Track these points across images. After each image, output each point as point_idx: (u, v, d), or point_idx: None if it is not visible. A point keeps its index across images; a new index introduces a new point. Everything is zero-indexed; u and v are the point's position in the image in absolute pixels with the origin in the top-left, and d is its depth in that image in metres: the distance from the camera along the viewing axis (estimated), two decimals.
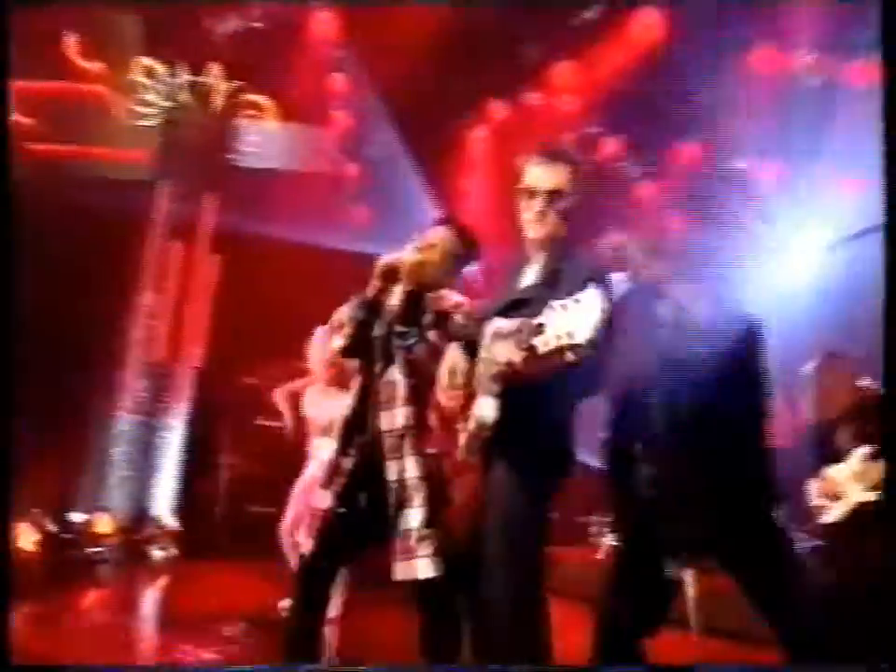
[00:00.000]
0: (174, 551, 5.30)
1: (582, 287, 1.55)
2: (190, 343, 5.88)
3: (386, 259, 2.01)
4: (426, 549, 1.83)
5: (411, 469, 1.90)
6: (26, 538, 4.46)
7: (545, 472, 1.74)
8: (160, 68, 5.67)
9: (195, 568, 4.79)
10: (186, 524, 5.43)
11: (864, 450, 2.70)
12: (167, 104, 5.72)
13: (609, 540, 4.45)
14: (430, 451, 1.92)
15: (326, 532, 1.92)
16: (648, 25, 4.89)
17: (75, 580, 4.28)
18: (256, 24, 5.51)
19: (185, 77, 5.71)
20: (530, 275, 1.88)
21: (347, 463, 1.96)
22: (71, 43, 5.50)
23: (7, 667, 1.77)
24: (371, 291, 2.05)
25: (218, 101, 5.80)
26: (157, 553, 5.24)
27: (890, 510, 1.77)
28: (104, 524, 5.07)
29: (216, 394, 5.82)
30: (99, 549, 4.93)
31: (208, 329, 5.86)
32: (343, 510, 1.91)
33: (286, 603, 2.55)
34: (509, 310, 1.78)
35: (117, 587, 4.50)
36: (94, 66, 5.57)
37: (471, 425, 1.69)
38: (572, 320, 1.51)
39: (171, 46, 5.59)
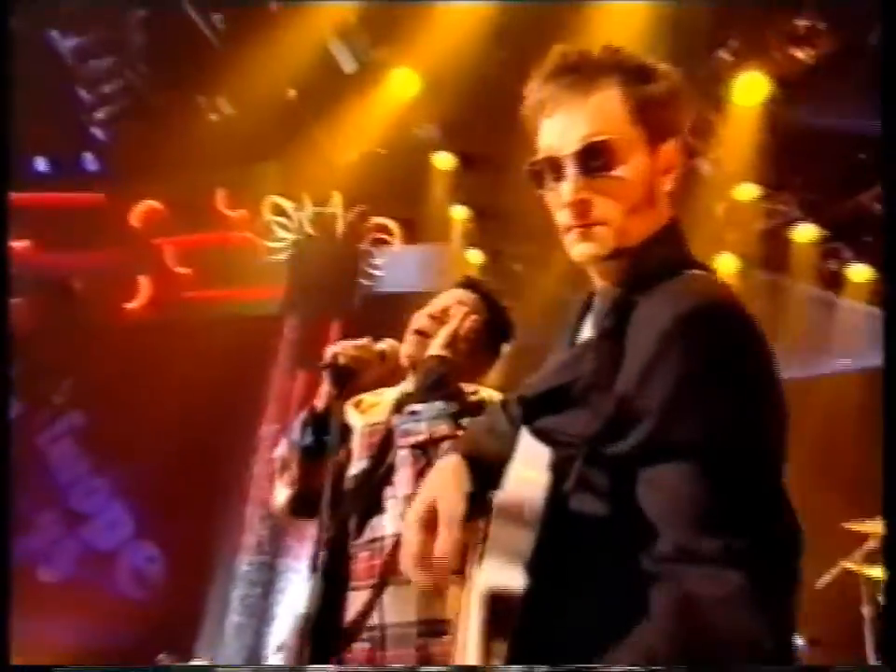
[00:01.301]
0: None
1: (671, 355, 0.80)
2: None
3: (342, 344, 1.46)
4: None
5: None
6: None
7: None
8: (288, 205, 5.80)
9: None
10: None
11: None
12: (295, 236, 5.79)
13: None
14: None
15: None
16: None
17: None
18: (380, 151, 5.35)
19: (310, 209, 5.75)
20: (584, 330, 1.01)
21: None
22: (219, 196, 5.97)
23: (6, 667, 1.66)
24: (320, 401, 1.47)
25: (342, 228, 5.71)
26: None
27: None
28: None
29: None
30: None
31: None
32: None
33: None
34: (543, 405, 0.93)
35: None
36: (237, 213, 5.95)
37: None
38: None
39: (298, 181, 5.71)
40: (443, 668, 1.32)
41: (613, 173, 0.94)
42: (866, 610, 3.56)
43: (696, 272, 0.94)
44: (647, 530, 0.78)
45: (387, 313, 5.72)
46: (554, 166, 0.96)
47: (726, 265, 5.11)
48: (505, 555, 0.78)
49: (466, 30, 3.76)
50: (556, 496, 0.80)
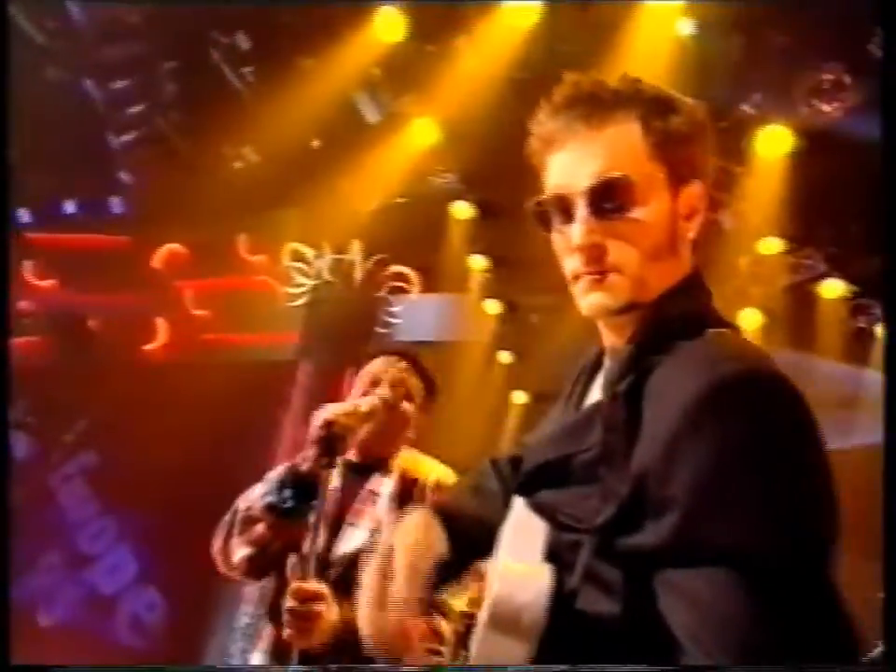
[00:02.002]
0: None
1: (706, 430, 0.67)
2: None
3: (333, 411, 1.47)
4: None
5: None
6: None
7: None
8: (308, 251, 5.82)
9: None
10: None
11: None
12: (313, 282, 5.79)
13: None
14: None
15: None
16: None
17: None
18: (399, 199, 5.39)
19: (329, 256, 5.77)
20: (594, 393, 0.90)
21: None
22: (241, 241, 6.01)
23: (6, 668, 1.63)
24: (305, 463, 1.47)
25: (360, 275, 5.70)
26: None
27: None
28: None
29: None
30: None
31: None
32: None
33: None
34: (545, 474, 0.82)
35: None
36: (258, 259, 5.97)
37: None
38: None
39: (318, 228, 5.75)
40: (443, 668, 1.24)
41: (630, 214, 0.84)
42: None
43: (724, 330, 0.83)
44: (669, 644, 0.64)
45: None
46: (564, 206, 0.86)
47: (750, 320, 4.98)
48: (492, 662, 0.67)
49: (485, 80, 3.78)
50: (559, 592, 0.68)
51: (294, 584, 1.37)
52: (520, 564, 0.70)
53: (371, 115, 4.66)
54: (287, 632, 1.31)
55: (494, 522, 0.78)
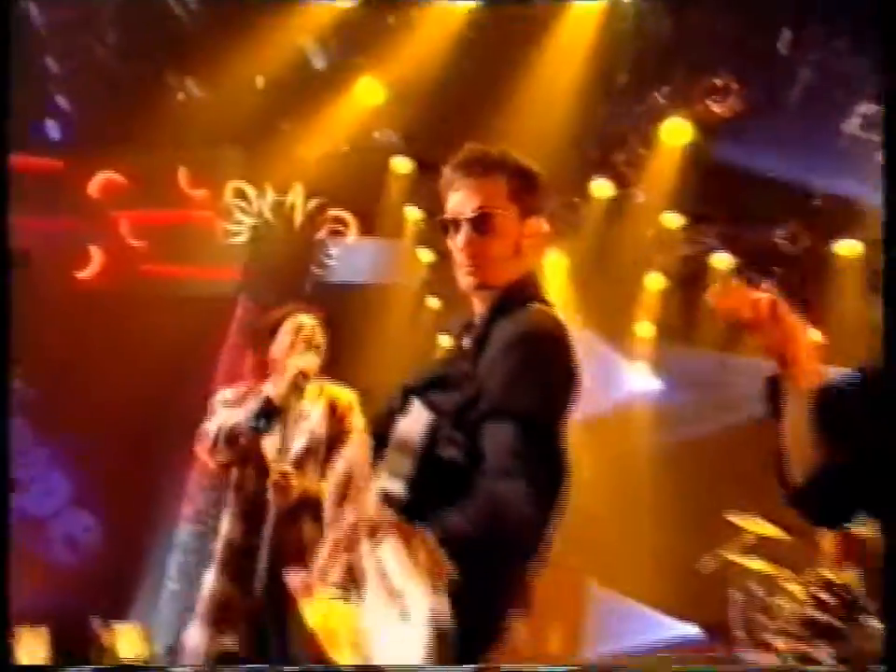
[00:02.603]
0: None
1: (513, 355, 1.26)
2: None
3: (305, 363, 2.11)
4: None
5: None
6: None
7: None
8: (250, 191, 5.95)
9: None
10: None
11: None
12: (254, 221, 5.95)
13: None
14: None
15: None
16: None
17: None
18: (343, 149, 5.55)
19: (271, 196, 5.92)
20: (466, 339, 1.45)
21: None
22: (182, 175, 6.07)
23: (6, 668, 1.74)
24: (277, 398, 2.07)
25: (300, 217, 5.90)
26: None
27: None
28: (128, 645, 4.80)
29: None
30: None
31: None
32: None
33: None
34: (434, 385, 1.38)
35: None
36: (199, 193, 6.06)
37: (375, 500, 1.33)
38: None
39: (262, 169, 5.86)
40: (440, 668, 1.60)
41: (493, 234, 1.38)
42: (736, 595, 4.06)
43: (539, 305, 1.37)
44: (484, 463, 1.21)
45: (338, 301, 6.01)
46: (456, 224, 1.41)
47: (654, 283, 5.57)
48: (394, 472, 1.24)
49: (432, 48, 4.05)
50: (432, 444, 1.23)
51: (275, 467, 2.10)
52: (413, 423, 1.28)
53: (318, 63, 4.81)
54: (271, 492, 2.04)
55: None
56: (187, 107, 5.54)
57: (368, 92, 4.54)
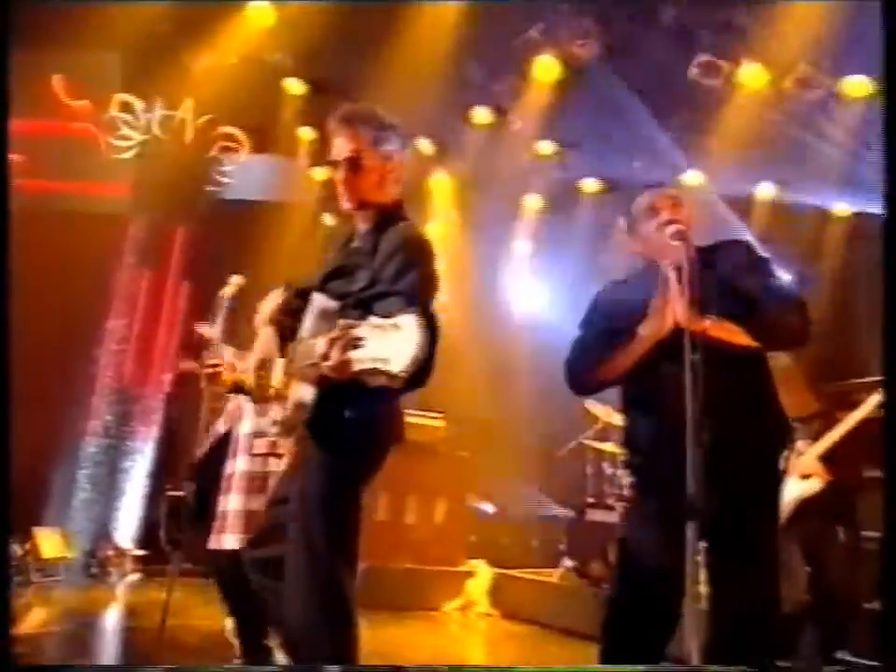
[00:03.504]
0: (132, 575, 5.28)
1: (398, 256, 1.66)
2: (160, 370, 5.92)
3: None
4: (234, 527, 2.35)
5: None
6: None
7: (354, 457, 1.71)
8: (137, 103, 5.80)
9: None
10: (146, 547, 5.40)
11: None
12: (143, 137, 5.84)
13: (565, 564, 4.58)
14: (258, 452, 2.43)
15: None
16: None
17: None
18: (231, 60, 5.48)
19: (160, 111, 5.82)
20: (355, 243, 1.87)
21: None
22: (59, 83, 5.80)
23: (6, 668, 1.77)
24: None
25: (192, 134, 5.85)
26: (114, 577, 5.23)
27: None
28: (50, 547, 5.09)
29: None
30: (47, 573, 4.94)
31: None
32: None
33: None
34: (331, 279, 1.82)
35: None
36: (80, 104, 5.83)
37: (289, 406, 1.72)
38: (390, 346, 1.40)
39: (148, 81, 5.70)
40: (439, 667, 1.90)
41: (362, 171, 1.83)
42: (588, 470, 4.94)
43: (408, 223, 1.86)
44: None
45: (232, 219, 6.10)
46: (336, 164, 1.86)
47: (532, 204, 6.12)
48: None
49: None
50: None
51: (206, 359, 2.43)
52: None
53: None
54: (203, 381, 2.33)
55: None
56: (59, 11, 5.25)
57: (258, 17, 4.59)
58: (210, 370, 2.33)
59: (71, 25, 5.15)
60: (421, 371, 1.45)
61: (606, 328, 1.91)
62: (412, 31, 4.63)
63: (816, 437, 2.85)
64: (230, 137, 6.03)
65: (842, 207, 5.35)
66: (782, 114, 4.57)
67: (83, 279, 5.58)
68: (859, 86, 4.58)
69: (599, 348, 1.90)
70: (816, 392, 2.89)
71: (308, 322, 1.77)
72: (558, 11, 4.14)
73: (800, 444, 2.88)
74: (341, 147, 1.82)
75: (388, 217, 1.83)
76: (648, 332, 1.82)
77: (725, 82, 4.62)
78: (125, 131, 5.86)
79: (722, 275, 1.83)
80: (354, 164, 1.80)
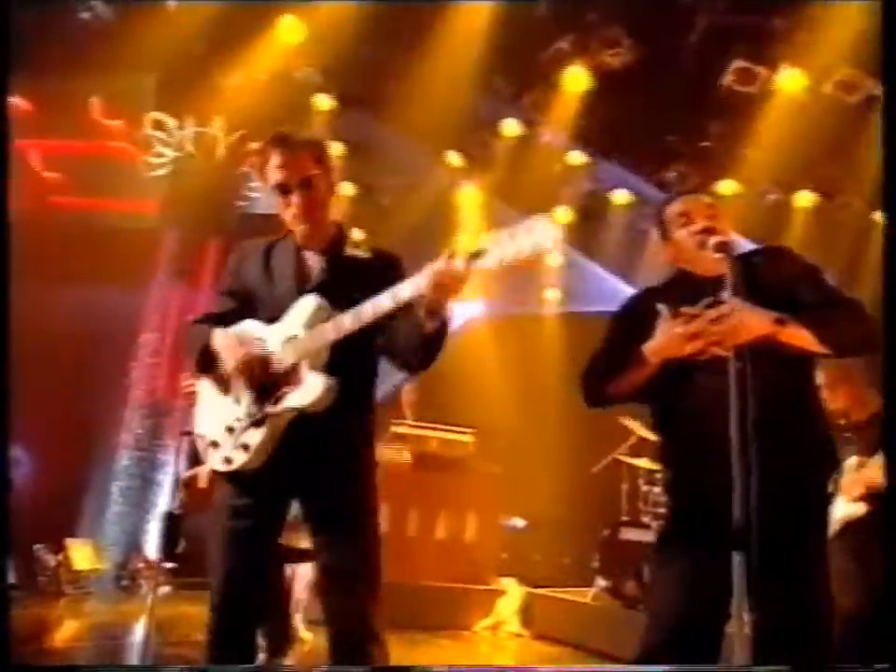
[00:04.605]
0: (164, 587, 5.28)
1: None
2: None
3: None
4: None
5: None
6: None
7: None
8: (169, 121, 5.90)
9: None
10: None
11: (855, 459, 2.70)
12: (175, 154, 5.93)
13: (599, 584, 4.46)
14: None
15: None
16: None
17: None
18: (259, 77, 5.54)
19: (191, 128, 5.90)
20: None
21: None
22: (95, 104, 5.91)
23: (6, 668, 1.76)
24: None
25: (222, 150, 5.92)
26: (145, 589, 5.24)
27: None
28: (82, 558, 5.12)
29: None
30: (79, 584, 4.97)
31: None
32: None
33: None
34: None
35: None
36: (115, 124, 5.94)
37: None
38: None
39: (181, 100, 5.79)
40: (441, 668, 1.87)
41: (311, 191, 1.82)
42: (624, 488, 4.81)
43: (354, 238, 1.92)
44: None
45: (262, 233, 6.14)
46: (284, 189, 1.82)
47: (561, 217, 6.04)
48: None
49: None
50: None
51: None
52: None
53: None
54: None
55: None
56: (95, 30, 5.36)
57: (288, 32, 4.62)
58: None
59: (106, 47, 5.26)
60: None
61: (625, 338, 1.80)
62: (440, 44, 4.62)
63: (871, 448, 2.68)
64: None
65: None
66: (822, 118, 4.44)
67: (118, 293, 5.66)
68: None
69: (614, 360, 1.79)
70: (874, 393, 2.73)
71: (297, 320, 1.76)
72: (588, 21, 4.08)
73: (853, 461, 2.73)
74: (288, 172, 1.80)
75: (336, 232, 1.89)
76: (650, 352, 1.70)
77: (762, 89, 4.51)
78: (159, 148, 5.95)
79: (772, 282, 1.73)
80: (307, 186, 1.80)
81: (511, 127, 5.27)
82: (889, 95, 1.78)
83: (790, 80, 4.47)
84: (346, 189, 6.13)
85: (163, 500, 5.80)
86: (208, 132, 5.90)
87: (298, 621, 4.02)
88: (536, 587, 4.75)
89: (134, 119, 5.95)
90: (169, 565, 5.39)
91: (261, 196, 6.17)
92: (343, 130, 5.54)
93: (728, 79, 4.23)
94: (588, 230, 5.71)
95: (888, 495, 1.63)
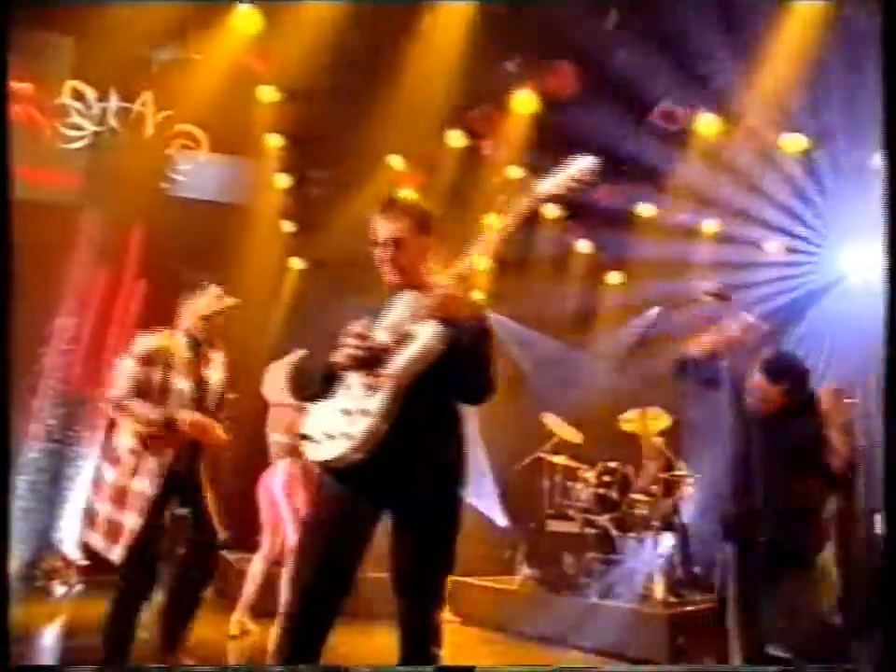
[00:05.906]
0: (78, 585, 5.06)
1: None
2: (110, 371, 5.65)
3: None
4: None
5: None
6: None
7: None
8: (90, 93, 5.46)
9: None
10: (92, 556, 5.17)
11: None
12: (96, 128, 5.52)
13: (525, 571, 4.79)
14: None
15: None
16: None
17: None
18: (194, 55, 5.25)
19: (116, 102, 5.51)
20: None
21: None
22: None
23: (6, 668, 1.74)
24: None
25: (149, 129, 5.58)
26: (59, 588, 5.01)
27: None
28: None
29: None
30: None
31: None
32: None
33: None
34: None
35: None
36: (23, 87, 5.41)
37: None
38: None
39: (103, 72, 5.37)
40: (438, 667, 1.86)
41: (404, 248, 2.00)
42: (546, 485, 5.20)
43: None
44: None
45: (188, 218, 5.84)
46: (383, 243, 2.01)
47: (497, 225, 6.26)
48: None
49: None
50: None
51: None
52: None
53: None
54: None
55: None
56: None
57: (244, 20, 4.45)
58: None
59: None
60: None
61: None
62: (402, 47, 4.66)
63: None
64: (189, 136, 5.79)
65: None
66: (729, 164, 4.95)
67: (31, 271, 5.23)
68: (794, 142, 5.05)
69: None
70: None
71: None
72: (533, 47, 4.32)
73: None
74: (384, 230, 1.99)
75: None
76: None
77: (683, 130, 4.95)
78: (76, 119, 5.51)
79: None
80: (400, 244, 1.98)
81: (455, 138, 5.41)
82: (890, 96, 1.86)
83: (706, 125, 4.98)
84: (279, 180, 6.00)
85: (76, 496, 5.53)
86: (135, 107, 5.52)
87: (243, 614, 4.07)
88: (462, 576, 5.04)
89: (43, 82, 5.44)
90: (86, 562, 5.19)
91: (189, 180, 5.90)
92: (286, 122, 5.42)
93: (653, 117, 4.63)
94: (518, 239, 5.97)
95: (887, 491, 1.84)
